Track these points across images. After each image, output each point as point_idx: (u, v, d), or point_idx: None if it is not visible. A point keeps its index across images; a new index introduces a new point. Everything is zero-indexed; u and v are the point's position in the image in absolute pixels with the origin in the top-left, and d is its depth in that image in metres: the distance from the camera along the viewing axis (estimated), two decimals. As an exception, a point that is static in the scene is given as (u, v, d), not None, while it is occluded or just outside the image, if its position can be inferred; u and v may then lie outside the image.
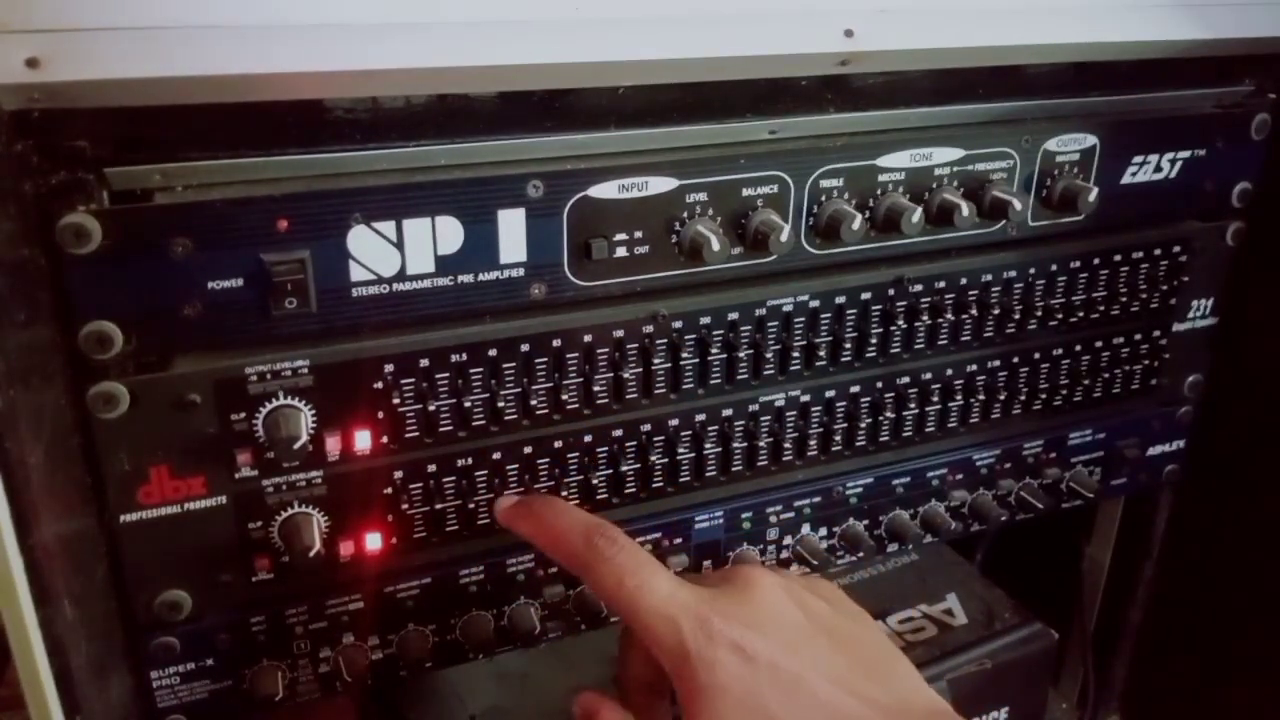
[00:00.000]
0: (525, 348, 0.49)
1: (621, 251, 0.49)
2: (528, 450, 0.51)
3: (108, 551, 0.45)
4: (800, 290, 0.54)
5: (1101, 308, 0.63)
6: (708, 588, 0.44)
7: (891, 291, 0.56)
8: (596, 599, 0.55)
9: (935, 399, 0.60)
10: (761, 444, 0.57)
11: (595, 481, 0.53)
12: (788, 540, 0.60)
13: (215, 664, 0.49)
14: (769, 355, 0.54)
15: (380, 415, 0.48)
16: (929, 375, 0.60)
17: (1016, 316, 0.60)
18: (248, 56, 0.38)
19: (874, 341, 0.57)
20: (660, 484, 0.55)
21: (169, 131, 0.40)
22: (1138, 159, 0.60)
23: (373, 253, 0.45)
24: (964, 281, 0.58)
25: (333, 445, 0.47)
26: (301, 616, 0.50)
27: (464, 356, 0.48)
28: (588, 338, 0.50)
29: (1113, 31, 0.54)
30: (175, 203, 0.41)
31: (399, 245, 0.45)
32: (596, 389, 0.51)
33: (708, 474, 0.56)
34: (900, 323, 0.57)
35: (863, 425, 0.59)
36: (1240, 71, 0.62)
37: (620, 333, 0.51)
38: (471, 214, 0.46)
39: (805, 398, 0.57)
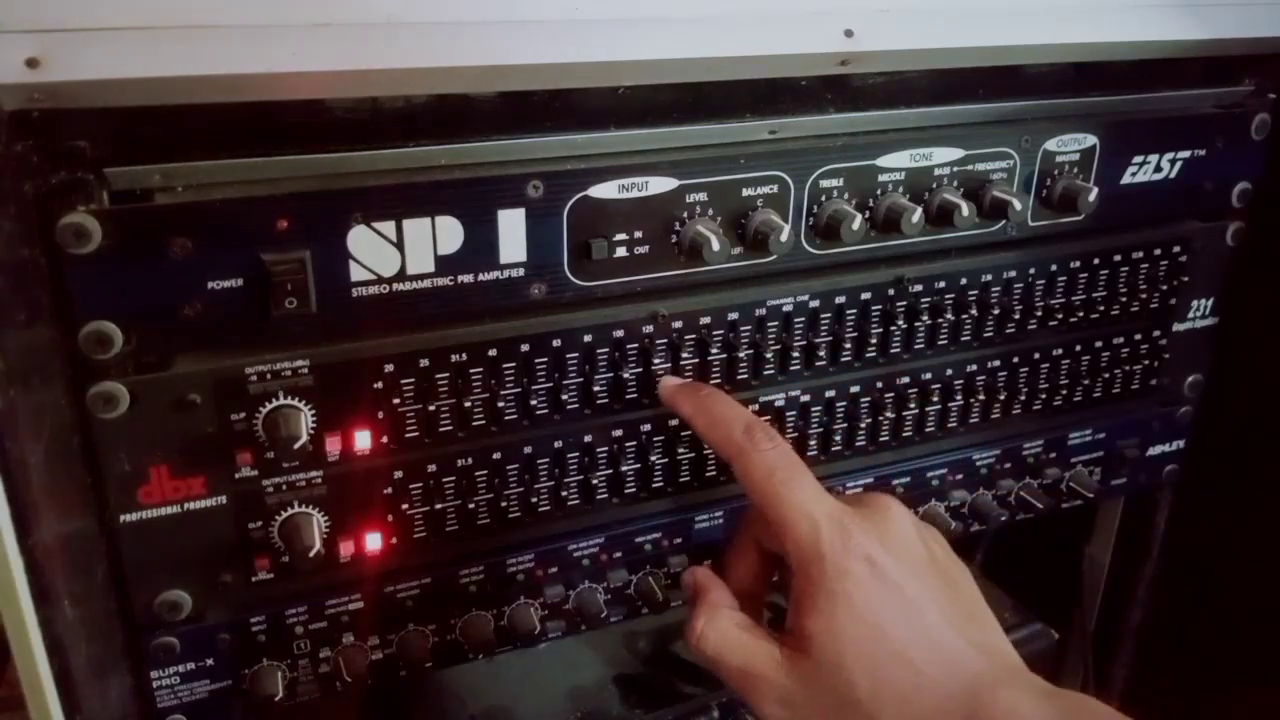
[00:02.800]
0: (525, 348, 0.49)
1: (621, 251, 0.49)
2: (528, 450, 0.51)
3: (108, 551, 0.45)
4: (800, 290, 0.54)
5: (1101, 308, 0.63)
6: (847, 504, 0.46)
7: (891, 291, 0.56)
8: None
9: (935, 399, 0.60)
10: (761, 444, 0.57)
11: (595, 481, 0.53)
12: (788, 540, 0.60)
13: (215, 664, 0.49)
14: (769, 355, 0.54)
15: (380, 415, 0.48)
16: (929, 375, 0.60)
17: (1016, 316, 0.60)
18: (248, 56, 0.38)
19: (874, 341, 0.57)
20: (660, 484, 0.55)
21: (169, 131, 0.40)
22: (1138, 159, 0.60)
23: (373, 253, 0.45)
24: (964, 281, 0.58)
25: (333, 445, 0.47)
26: (301, 616, 0.50)
27: (464, 356, 0.48)
28: (588, 338, 0.50)
29: (1113, 31, 0.54)
30: (175, 203, 0.41)
31: (399, 245, 0.45)
32: (596, 389, 0.51)
33: (708, 474, 0.56)
34: (900, 323, 0.57)
35: (863, 425, 0.59)
36: (1240, 71, 0.62)
37: (620, 333, 0.51)
38: (471, 214, 0.46)
39: (805, 398, 0.57)
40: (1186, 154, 0.61)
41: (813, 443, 0.58)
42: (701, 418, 0.49)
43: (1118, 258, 0.62)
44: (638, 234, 0.49)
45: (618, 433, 0.53)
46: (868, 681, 0.41)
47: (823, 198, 0.52)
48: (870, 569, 0.43)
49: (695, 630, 0.46)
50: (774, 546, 0.46)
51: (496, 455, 0.51)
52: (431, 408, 0.48)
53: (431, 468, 0.50)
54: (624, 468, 0.54)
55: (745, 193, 0.51)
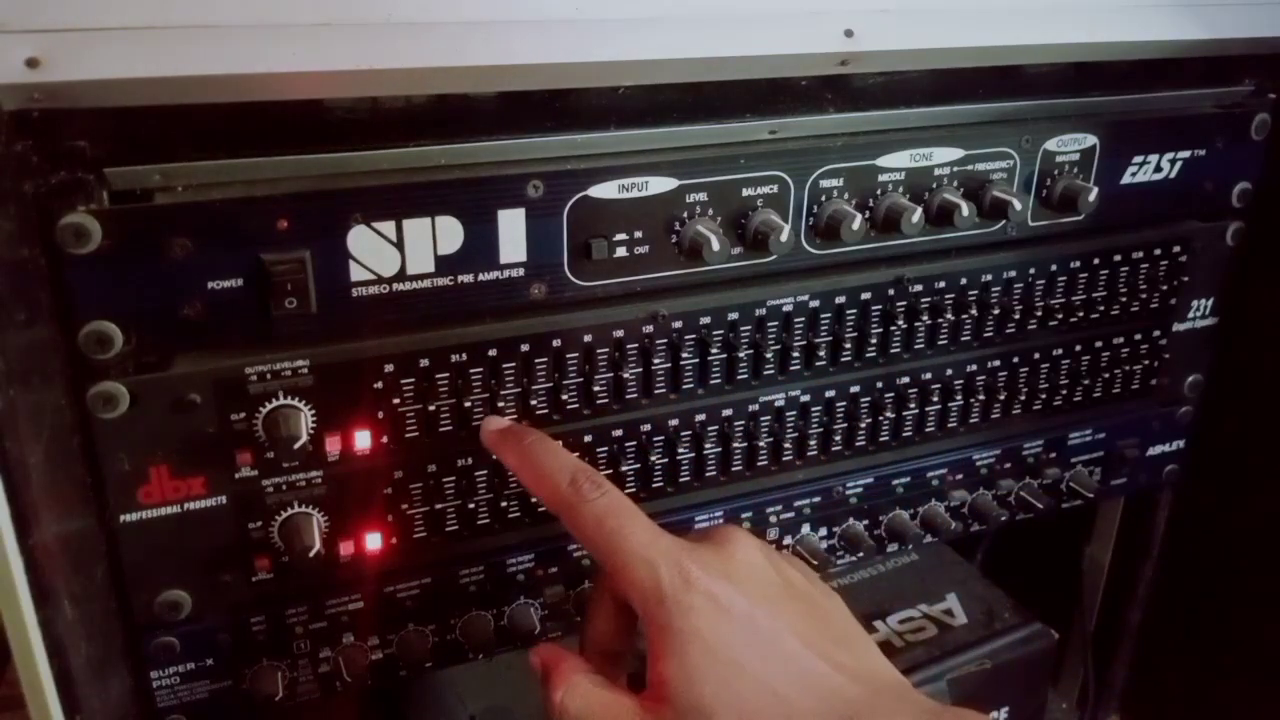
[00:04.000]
0: (525, 348, 0.49)
1: (621, 251, 0.49)
2: (528, 450, 0.51)
3: (108, 551, 0.45)
4: (800, 290, 0.54)
5: (1101, 308, 0.63)
6: (689, 541, 0.44)
7: (891, 291, 0.56)
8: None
9: (935, 399, 0.60)
10: (761, 444, 0.57)
11: (595, 481, 0.53)
12: (788, 540, 0.60)
13: (215, 664, 0.49)
14: (769, 355, 0.54)
15: (380, 415, 0.48)
16: (929, 375, 0.60)
17: (1016, 316, 0.60)
18: (248, 56, 0.38)
19: (874, 341, 0.57)
20: (660, 484, 0.55)
21: (169, 131, 0.40)
22: (1138, 159, 0.60)
23: (373, 253, 0.45)
24: (964, 281, 0.58)
25: (333, 445, 0.47)
26: (301, 616, 0.50)
27: (464, 356, 0.48)
28: (588, 338, 0.50)
29: (1113, 31, 0.54)
30: (175, 203, 0.41)
31: (399, 245, 0.45)
32: (596, 389, 0.51)
33: (708, 474, 0.56)
34: (900, 323, 0.57)
35: (863, 425, 0.59)
36: (1240, 71, 0.62)
37: (620, 333, 0.51)
38: (471, 214, 0.46)
39: (805, 398, 0.57)
40: (1186, 154, 0.61)
41: (813, 443, 0.58)
42: (526, 470, 0.47)
43: (1118, 258, 0.62)
44: (638, 234, 0.49)
45: (618, 433, 0.53)
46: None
47: (823, 198, 0.52)
48: (715, 604, 0.41)
49: (555, 703, 0.43)
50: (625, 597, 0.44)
51: (496, 455, 0.51)
52: (431, 408, 0.48)
53: (431, 468, 0.50)
54: (624, 468, 0.54)
55: (745, 193, 0.51)
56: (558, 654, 0.45)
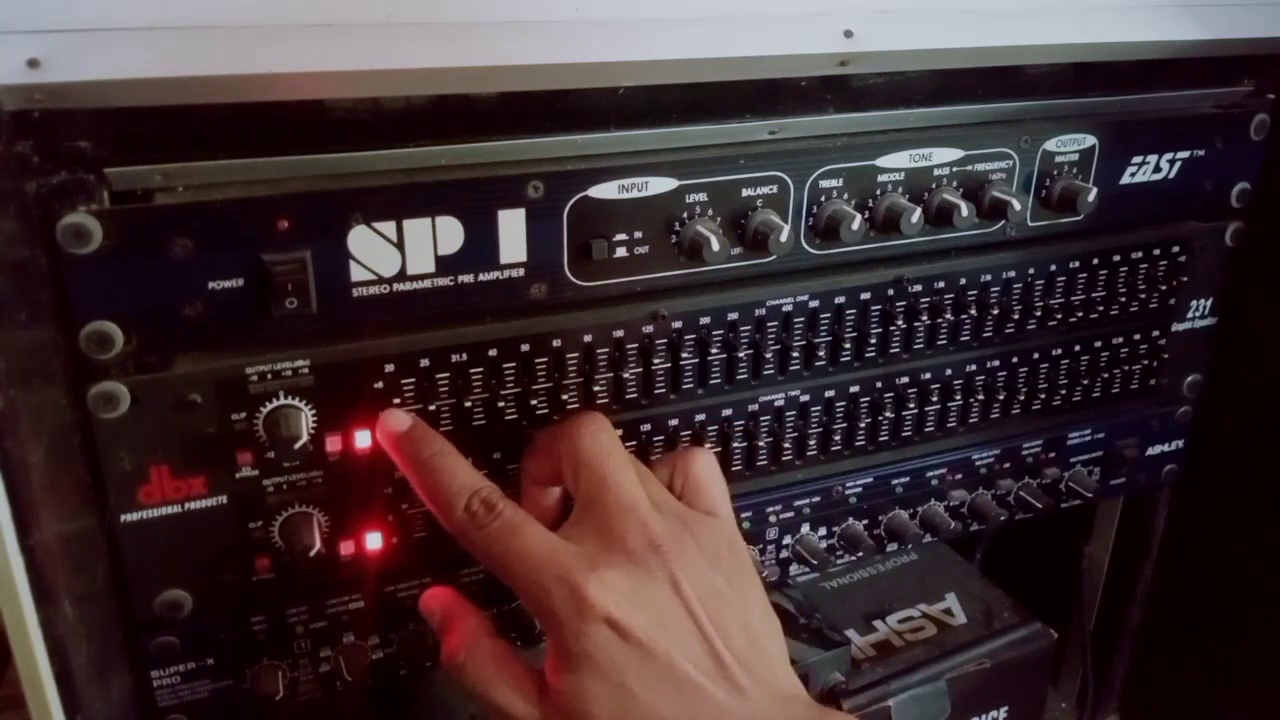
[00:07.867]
0: (525, 348, 0.49)
1: (621, 251, 0.49)
2: (528, 450, 0.51)
3: (108, 551, 0.45)
4: (800, 290, 0.54)
5: (1101, 308, 0.63)
6: (591, 543, 0.43)
7: (891, 291, 0.56)
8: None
9: (935, 399, 0.60)
10: (761, 444, 0.57)
11: (595, 481, 0.53)
12: (787, 540, 0.60)
13: (216, 663, 0.49)
14: (769, 355, 0.54)
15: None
16: (929, 375, 0.60)
17: (1016, 316, 0.60)
18: (248, 56, 0.38)
19: (873, 341, 0.57)
20: (660, 484, 0.55)
21: (169, 131, 0.40)
22: (1137, 159, 0.60)
23: (373, 253, 0.45)
24: (963, 281, 0.58)
25: (333, 445, 0.47)
26: (302, 616, 0.50)
27: (464, 356, 0.48)
28: (588, 338, 0.50)
29: (1113, 31, 0.54)
30: (176, 203, 0.41)
31: (399, 245, 0.45)
32: (596, 389, 0.51)
33: (707, 474, 0.56)
34: (900, 323, 0.57)
35: (862, 425, 0.59)
36: (1240, 71, 0.62)
37: (620, 333, 0.51)
38: (472, 214, 0.46)
39: (805, 398, 0.57)
40: (1185, 154, 0.61)
41: (812, 443, 0.58)
42: (422, 487, 0.47)
43: (1117, 258, 0.62)
44: (638, 234, 0.49)
45: (618, 433, 0.53)
46: None
47: (822, 198, 0.52)
48: (611, 630, 0.41)
49: (455, 662, 0.45)
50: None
51: (496, 455, 0.51)
52: (432, 408, 0.48)
53: (431, 467, 0.50)
54: (624, 467, 0.54)
55: (745, 193, 0.51)
56: (459, 606, 0.47)
